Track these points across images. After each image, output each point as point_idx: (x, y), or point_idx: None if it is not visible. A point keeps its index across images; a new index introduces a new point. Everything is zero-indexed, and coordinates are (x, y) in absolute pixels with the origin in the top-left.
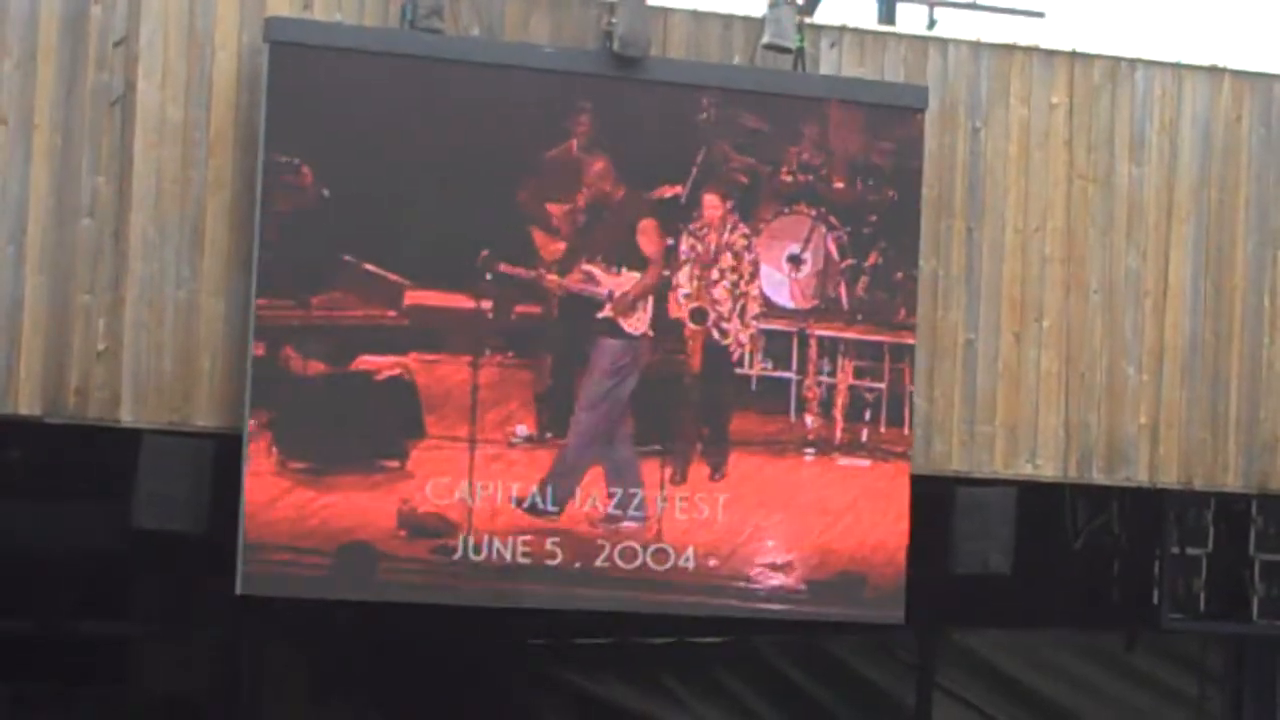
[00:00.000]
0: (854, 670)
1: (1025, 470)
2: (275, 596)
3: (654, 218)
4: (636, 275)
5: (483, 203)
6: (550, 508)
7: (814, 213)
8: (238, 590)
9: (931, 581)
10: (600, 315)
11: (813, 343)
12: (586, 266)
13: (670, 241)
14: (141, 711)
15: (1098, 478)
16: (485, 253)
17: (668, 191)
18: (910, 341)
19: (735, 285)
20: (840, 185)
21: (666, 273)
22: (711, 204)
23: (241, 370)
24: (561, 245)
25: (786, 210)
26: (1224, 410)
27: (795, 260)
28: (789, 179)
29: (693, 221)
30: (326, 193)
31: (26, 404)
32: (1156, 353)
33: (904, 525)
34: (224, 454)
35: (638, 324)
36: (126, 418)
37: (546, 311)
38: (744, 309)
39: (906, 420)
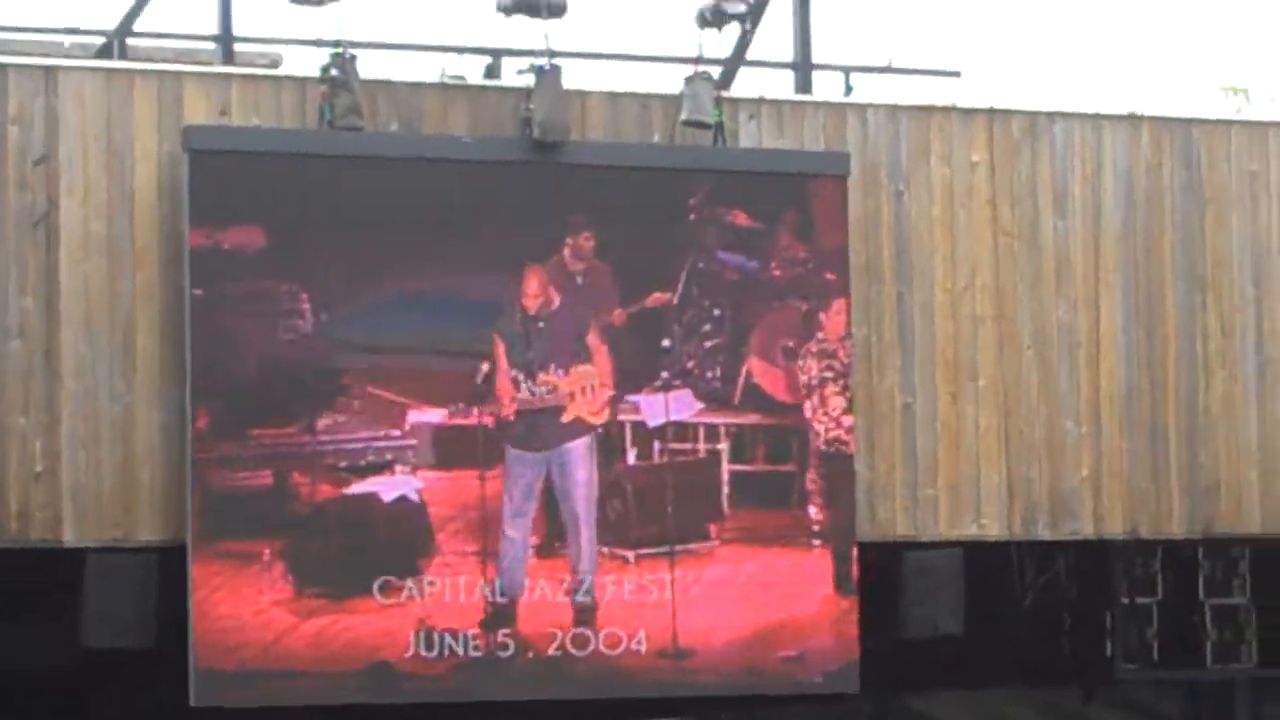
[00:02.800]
0: None
1: (970, 530)
2: (228, 708)
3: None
4: (591, 370)
5: (474, 312)
6: (568, 604)
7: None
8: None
9: (883, 647)
10: (570, 418)
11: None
12: (547, 376)
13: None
14: None
15: (1043, 533)
16: (485, 367)
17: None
18: None
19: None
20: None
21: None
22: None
23: (182, 482)
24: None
25: (777, 304)
26: (1164, 458)
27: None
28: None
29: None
30: (325, 316)
31: None
32: (1094, 404)
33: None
34: (168, 566)
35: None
36: (69, 538)
37: (537, 419)
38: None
39: None
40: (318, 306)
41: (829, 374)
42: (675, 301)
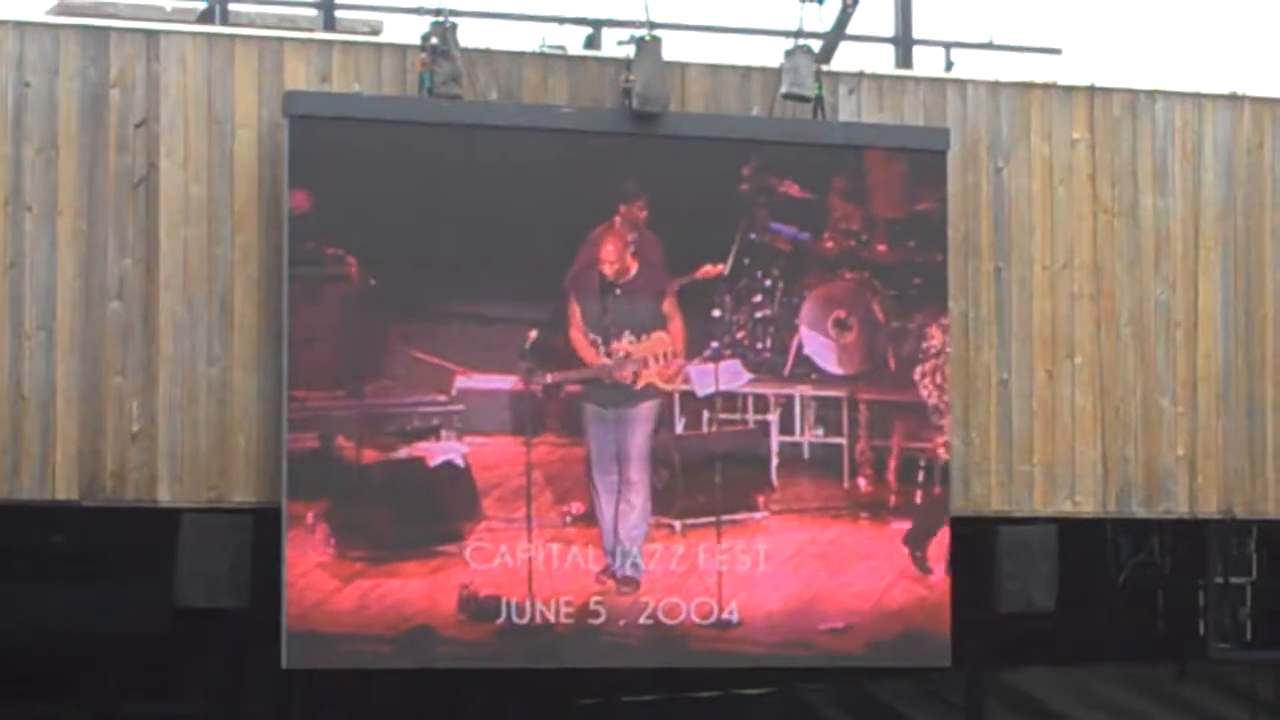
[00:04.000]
0: (903, 714)
1: (1065, 507)
2: (322, 669)
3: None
4: (665, 338)
5: (527, 278)
6: (608, 578)
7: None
8: (283, 665)
9: (976, 622)
10: (642, 384)
11: (862, 407)
12: (618, 342)
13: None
14: None
15: (1138, 511)
16: (533, 334)
17: (711, 270)
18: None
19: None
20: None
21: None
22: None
23: (277, 445)
24: (602, 319)
25: (830, 276)
26: (1261, 438)
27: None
28: (831, 245)
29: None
30: (373, 282)
31: (64, 489)
32: (1190, 384)
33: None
34: (263, 528)
35: (671, 386)
36: (164, 498)
37: (611, 384)
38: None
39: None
40: (365, 270)
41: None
42: (726, 271)
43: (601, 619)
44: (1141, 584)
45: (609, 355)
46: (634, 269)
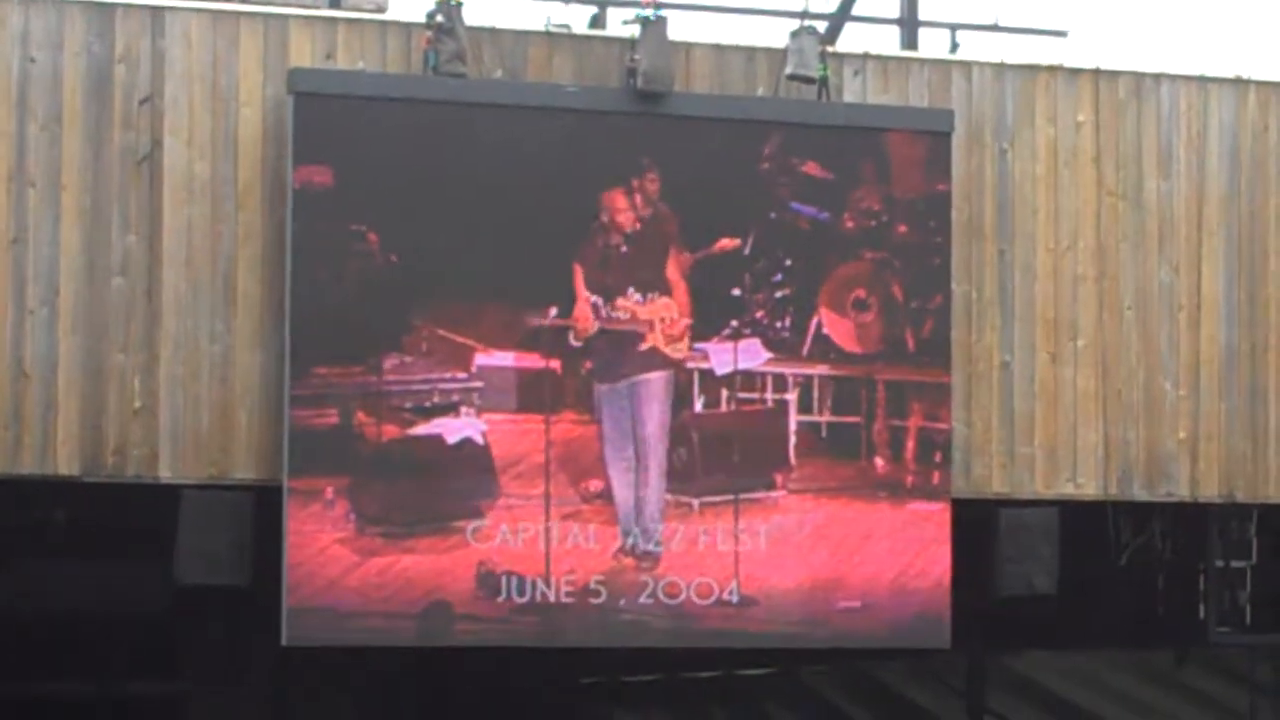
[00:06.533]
0: (903, 696)
1: (1066, 490)
2: (322, 647)
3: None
4: (670, 304)
5: (541, 255)
6: (626, 556)
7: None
8: (284, 642)
9: (977, 605)
10: (647, 347)
11: (880, 387)
12: (623, 299)
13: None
14: None
15: (1139, 494)
16: (553, 311)
17: (728, 244)
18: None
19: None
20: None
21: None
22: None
23: (279, 422)
24: (604, 279)
25: (850, 256)
26: (1263, 422)
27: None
28: (851, 225)
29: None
30: (394, 258)
31: (65, 464)
32: (1193, 367)
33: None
34: (264, 506)
35: (678, 353)
36: (165, 474)
37: (615, 344)
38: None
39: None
40: (386, 247)
41: None
42: (746, 250)
43: (619, 597)
44: (1142, 567)
45: (611, 314)
46: (642, 235)
